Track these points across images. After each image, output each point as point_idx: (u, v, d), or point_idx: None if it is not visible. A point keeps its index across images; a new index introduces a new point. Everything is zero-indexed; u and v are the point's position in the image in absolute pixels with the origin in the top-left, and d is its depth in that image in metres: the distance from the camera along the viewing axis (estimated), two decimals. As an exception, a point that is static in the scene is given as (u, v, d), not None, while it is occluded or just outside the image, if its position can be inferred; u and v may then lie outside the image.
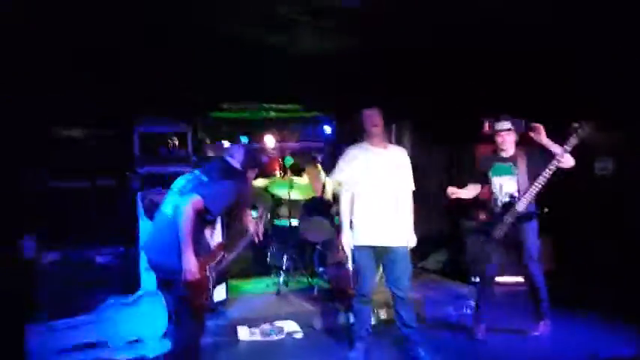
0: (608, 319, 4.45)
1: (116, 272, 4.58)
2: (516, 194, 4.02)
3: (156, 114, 5.25)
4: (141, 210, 4.81)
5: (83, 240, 4.57)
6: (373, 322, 4.66)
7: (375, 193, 3.68)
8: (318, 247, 5.49)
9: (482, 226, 4.25)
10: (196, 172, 3.38)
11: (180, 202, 3.08)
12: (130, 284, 4.54)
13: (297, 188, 5.75)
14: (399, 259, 3.70)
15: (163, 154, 5.19)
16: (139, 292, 4.35)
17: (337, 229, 5.60)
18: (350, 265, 5.10)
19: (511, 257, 4.21)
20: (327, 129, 8.08)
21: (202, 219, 3.16)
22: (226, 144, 8.09)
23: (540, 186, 3.92)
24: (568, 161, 3.87)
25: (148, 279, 4.63)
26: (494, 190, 4.17)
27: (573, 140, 3.81)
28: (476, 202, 4.60)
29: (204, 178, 3.28)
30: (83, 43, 4.53)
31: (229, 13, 4.42)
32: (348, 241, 3.78)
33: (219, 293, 4.82)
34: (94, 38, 4.53)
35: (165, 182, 4.82)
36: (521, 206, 3.98)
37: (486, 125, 6.02)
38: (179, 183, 3.32)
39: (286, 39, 5.05)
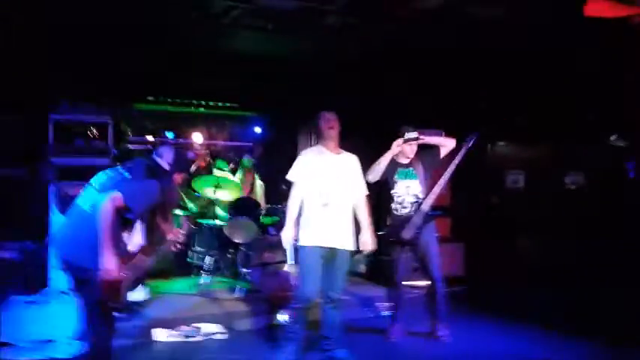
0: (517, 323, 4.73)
1: (23, 269, 4.26)
2: (421, 195, 4.27)
3: (74, 101, 4.98)
4: (53, 203, 4.54)
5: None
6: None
7: (325, 195, 3.70)
8: (242, 248, 5.42)
9: (391, 230, 4.35)
10: (118, 168, 3.21)
11: (99, 198, 2.90)
12: (38, 282, 4.25)
13: (225, 187, 5.64)
14: (343, 263, 3.75)
15: (80, 145, 4.92)
16: (48, 290, 4.09)
17: (263, 230, 5.60)
18: (288, 267, 5.15)
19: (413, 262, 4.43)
20: (257, 129, 8.03)
21: (122, 218, 3.00)
22: (150, 138, 7.84)
23: (438, 191, 4.23)
24: (449, 143, 4.29)
25: (57, 277, 4.36)
26: (399, 194, 4.31)
27: (463, 151, 4.24)
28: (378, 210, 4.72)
29: (127, 175, 3.12)
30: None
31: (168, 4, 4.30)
32: (289, 237, 3.76)
33: (138, 294, 4.63)
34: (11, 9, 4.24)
35: (81, 175, 4.59)
36: (426, 206, 4.22)
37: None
38: (99, 178, 3.13)
39: (220, 35, 4.96)
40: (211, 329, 4.42)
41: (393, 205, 4.32)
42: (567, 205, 5.39)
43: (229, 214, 5.49)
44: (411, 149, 4.31)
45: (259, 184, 6.43)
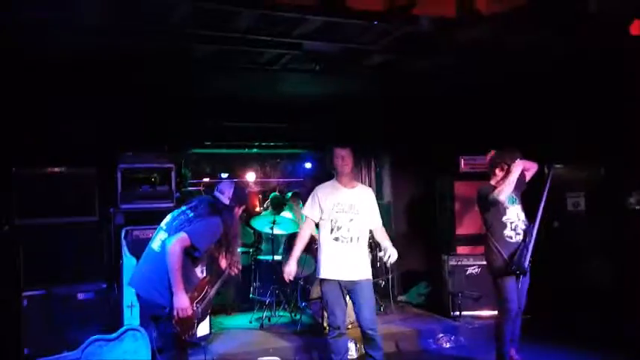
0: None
1: (98, 309, 4.54)
2: (526, 221, 4.19)
3: (138, 150, 5.33)
4: (124, 246, 4.83)
5: (65, 277, 4.53)
6: (355, 355, 4.74)
7: (340, 229, 3.83)
8: (300, 282, 5.53)
9: (511, 260, 4.09)
10: (183, 207, 3.40)
11: (167, 239, 3.11)
12: (113, 321, 4.51)
13: (281, 223, 5.81)
14: (366, 294, 3.85)
15: (146, 191, 5.21)
16: (122, 329, 4.33)
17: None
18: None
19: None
20: (308, 165, 8.25)
21: (190, 256, 3.21)
22: (207, 180, 8.21)
23: (541, 212, 4.13)
24: (534, 166, 4.29)
25: (131, 315, 4.62)
26: (511, 219, 4.17)
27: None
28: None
29: (191, 214, 3.29)
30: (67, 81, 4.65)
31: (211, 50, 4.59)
32: (290, 271, 3.93)
33: (203, 328, 4.81)
34: (83, 75, 4.67)
35: (148, 219, 4.90)
36: (534, 232, 4.09)
37: (462, 163, 6.27)
38: (167, 220, 3.35)
39: (272, 80, 5.23)
40: (275, 363, 4.52)
41: (506, 232, 4.15)
42: (631, 226, 5.18)
43: (286, 249, 5.64)
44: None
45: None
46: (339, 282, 3.82)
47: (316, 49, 4.44)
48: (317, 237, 5.90)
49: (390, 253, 3.83)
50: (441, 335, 5.13)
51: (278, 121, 6.59)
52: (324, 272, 3.87)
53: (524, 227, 4.14)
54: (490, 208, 4.19)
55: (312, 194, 4.02)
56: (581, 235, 5.68)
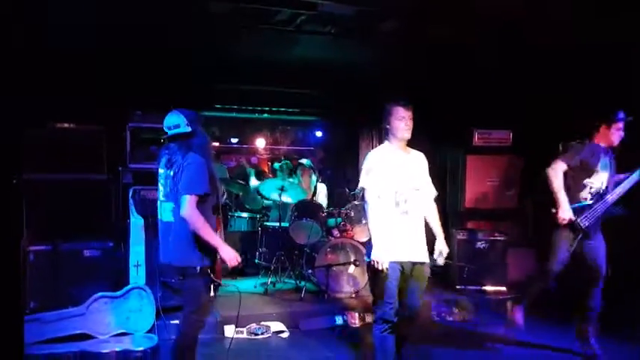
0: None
1: (104, 267, 4.56)
2: (606, 188, 4.00)
3: (147, 110, 5.27)
4: (132, 205, 4.82)
5: (72, 233, 4.54)
6: (357, 324, 4.76)
7: (407, 202, 3.26)
8: (306, 249, 5.52)
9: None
10: (161, 171, 3.19)
11: (178, 209, 2.98)
12: (118, 279, 4.53)
13: (290, 189, 5.77)
14: (422, 277, 3.33)
15: (154, 151, 5.17)
16: (128, 287, 4.36)
17: (327, 231, 5.68)
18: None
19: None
20: (319, 134, 8.16)
21: (207, 206, 3.08)
22: (216, 144, 8.16)
23: (627, 188, 3.95)
24: None
25: (137, 275, 4.65)
26: (593, 184, 4.00)
27: None
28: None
29: (171, 172, 3.07)
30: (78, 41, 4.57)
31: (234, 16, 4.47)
32: (384, 258, 3.17)
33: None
34: (89, 35, 4.58)
35: (155, 179, 4.86)
36: (611, 198, 3.94)
37: (475, 136, 6.15)
38: (161, 191, 3.18)
39: (285, 42, 5.10)
40: (278, 327, 4.54)
41: (583, 194, 3.98)
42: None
43: (293, 216, 5.62)
44: (618, 135, 3.97)
45: (320, 186, 6.52)
46: (397, 265, 3.23)
47: (331, 10, 4.30)
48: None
49: (441, 250, 3.36)
50: (445, 308, 5.12)
51: (290, 87, 6.48)
52: (389, 254, 3.18)
53: (599, 192, 3.95)
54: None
55: (366, 161, 3.36)
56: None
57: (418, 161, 3.46)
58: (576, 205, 3.94)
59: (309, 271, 5.46)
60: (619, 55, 4.78)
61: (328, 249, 5.32)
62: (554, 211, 3.93)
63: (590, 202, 3.94)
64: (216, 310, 4.65)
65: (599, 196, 3.94)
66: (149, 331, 4.26)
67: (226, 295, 4.84)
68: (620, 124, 3.93)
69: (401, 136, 3.29)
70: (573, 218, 3.88)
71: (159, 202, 3.23)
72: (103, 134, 4.89)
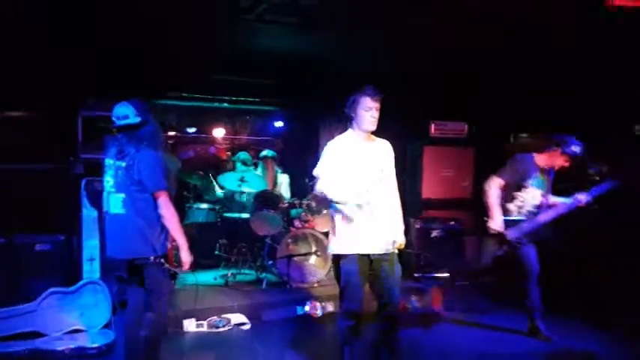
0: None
1: (56, 261, 4.38)
2: (538, 207, 4.15)
3: (101, 97, 5.07)
4: (84, 197, 4.64)
5: (22, 226, 4.34)
6: (319, 313, 4.77)
7: (368, 192, 3.14)
8: (267, 240, 5.48)
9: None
10: (111, 161, 3.11)
11: (124, 198, 3.02)
12: (72, 274, 4.37)
13: (250, 180, 5.70)
14: (393, 268, 3.20)
15: (107, 141, 4.99)
16: (82, 282, 4.21)
17: (288, 222, 5.65)
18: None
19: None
20: (279, 124, 8.09)
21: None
22: (172, 134, 7.95)
23: (560, 214, 4.11)
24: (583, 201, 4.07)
25: (90, 269, 4.49)
26: (525, 197, 4.16)
27: (603, 187, 4.03)
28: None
29: (124, 164, 3.02)
30: (29, 19, 4.32)
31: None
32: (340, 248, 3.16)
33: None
34: (40, 15, 4.34)
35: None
36: (542, 218, 4.12)
37: (432, 127, 6.27)
38: (109, 182, 3.11)
39: (244, 31, 5.00)
40: (239, 319, 4.50)
41: (511, 206, 4.16)
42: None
43: (254, 207, 5.56)
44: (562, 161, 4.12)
45: (282, 176, 6.48)
46: (368, 257, 3.15)
47: (293, 0, 4.24)
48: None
49: (394, 240, 3.22)
50: (405, 295, 5.20)
51: (250, 76, 6.38)
52: (351, 246, 3.11)
53: (531, 210, 4.14)
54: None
55: (325, 149, 3.23)
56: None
57: (382, 150, 3.32)
58: (508, 217, 4.15)
59: (270, 262, 5.42)
60: (571, 55, 4.96)
61: (289, 240, 5.31)
62: (485, 219, 4.15)
63: (522, 217, 4.16)
64: (175, 303, 4.57)
65: (531, 213, 4.14)
66: (105, 327, 4.14)
67: (185, 288, 4.78)
68: (570, 156, 4.08)
69: (365, 127, 3.17)
70: (502, 230, 4.08)
71: (106, 193, 3.15)
72: (52, 122, 4.69)
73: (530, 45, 4.95)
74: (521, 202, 4.15)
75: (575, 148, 4.03)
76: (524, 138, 6.65)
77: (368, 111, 3.13)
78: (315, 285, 5.25)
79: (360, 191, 3.13)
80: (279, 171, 6.45)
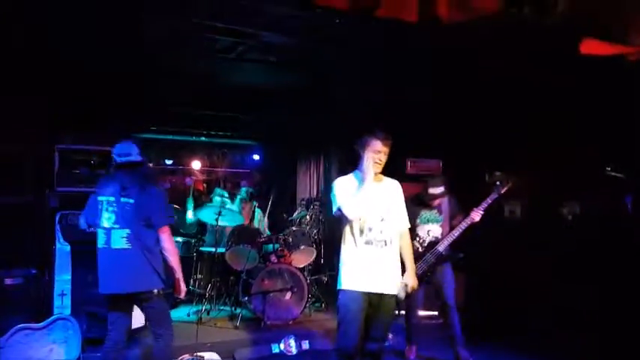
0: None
1: (27, 296, 4.29)
2: (440, 237, 4.38)
3: (79, 131, 5.08)
4: (58, 231, 4.58)
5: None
6: (294, 351, 4.74)
7: (371, 230, 3.18)
8: (242, 275, 5.46)
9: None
10: (111, 198, 3.24)
11: (128, 234, 3.19)
12: (42, 309, 4.28)
13: (226, 215, 5.71)
14: (389, 310, 3.23)
15: (84, 174, 4.97)
16: (52, 318, 4.12)
17: (264, 257, 5.65)
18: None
19: (428, 294, 4.57)
20: (256, 157, 8.17)
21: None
22: (149, 166, 7.94)
23: (456, 236, 4.28)
24: (479, 217, 4.21)
25: (62, 304, 4.41)
26: (420, 235, 4.40)
27: (490, 200, 4.19)
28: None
29: (131, 201, 3.22)
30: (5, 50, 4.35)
31: (163, 40, 4.43)
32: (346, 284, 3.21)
33: (138, 320, 4.66)
34: (17, 45, 4.37)
35: (85, 203, 4.67)
36: (442, 247, 4.32)
37: (408, 165, 6.44)
38: (110, 218, 3.22)
39: (223, 68, 5.11)
40: (212, 358, 4.43)
41: (415, 243, 4.33)
42: (564, 235, 5.49)
43: (230, 242, 5.55)
44: (438, 204, 4.43)
45: (258, 212, 6.51)
46: (367, 295, 3.15)
47: (274, 40, 4.37)
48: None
49: (407, 283, 3.26)
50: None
51: (228, 111, 6.47)
52: (351, 282, 3.16)
53: (432, 241, 4.37)
54: None
55: (334, 187, 3.26)
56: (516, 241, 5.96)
57: (389, 190, 3.32)
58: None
59: (245, 297, 5.38)
60: (545, 90, 5.18)
61: (265, 275, 5.29)
62: None
63: (421, 251, 4.36)
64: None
65: (429, 246, 4.35)
66: (75, 363, 4.04)
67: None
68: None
69: (370, 164, 3.16)
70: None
71: (102, 229, 3.26)
72: (27, 155, 4.67)
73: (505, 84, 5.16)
74: (420, 239, 4.38)
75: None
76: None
77: (376, 154, 3.16)
78: (290, 322, 5.23)
79: (363, 228, 3.17)
80: (256, 205, 6.48)
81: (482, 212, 4.18)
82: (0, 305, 4.15)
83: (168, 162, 8.52)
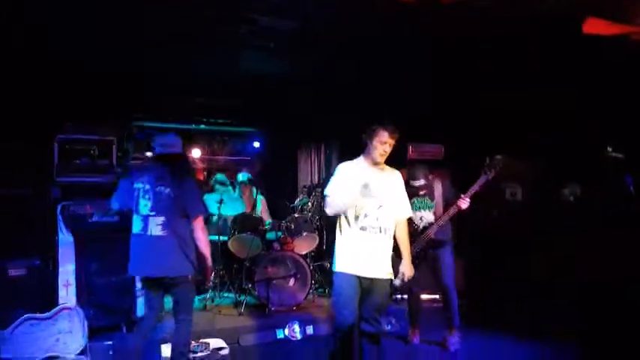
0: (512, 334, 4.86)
1: (31, 286, 4.31)
2: (433, 221, 4.39)
3: (78, 121, 5.05)
4: (60, 222, 4.58)
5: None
6: (299, 336, 4.77)
7: (367, 217, 3.31)
8: (246, 263, 5.47)
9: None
10: (147, 186, 3.39)
11: (164, 221, 3.34)
12: (47, 300, 4.29)
13: (228, 202, 5.70)
14: (382, 293, 3.39)
15: (85, 164, 4.96)
16: (57, 308, 4.14)
17: (267, 244, 5.66)
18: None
19: (428, 276, 4.56)
20: (257, 144, 8.14)
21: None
22: (150, 154, 7.91)
23: (443, 222, 4.32)
24: (466, 205, 4.20)
25: (67, 295, 4.42)
26: (414, 221, 4.37)
27: (477, 186, 4.20)
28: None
29: (167, 190, 3.36)
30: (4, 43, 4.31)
31: (163, 23, 4.38)
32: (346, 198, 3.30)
33: (142, 307, 4.69)
34: (17, 38, 4.33)
35: (86, 193, 4.67)
36: (432, 232, 4.35)
37: (410, 150, 6.41)
38: (147, 204, 3.37)
39: (222, 54, 5.06)
40: (218, 344, 4.46)
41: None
42: (565, 218, 5.48)
43: (233, 230, 5.55)
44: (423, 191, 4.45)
45: (260, 198, 6.50)
46: (358, 278, 3.31)
47: (272, 25, 4.32)
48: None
49: (404, 271, 3.41)
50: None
51: (227, 98, 6.43)
52: (343, 265, 3.34)
53: (424, 225, 4.39)
54: None
55: (336, 171, 3.45)
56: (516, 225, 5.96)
57: (390, 179, 3.45)
58: None
59: (249, 285, 5.41)
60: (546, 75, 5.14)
61: (268, 262, 5.31)
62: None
63: (415, 236, 4.33)
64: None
65: (422, 231, 4.37)
66: (80, 353, 4.07)
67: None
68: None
69: (374, 158, 3.36)
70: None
71: (139, 216, 3.41)
72: (27, 146, 4.65)
73: (507, 65, 5.11)
74: (415, 225, 4.38)
75: None
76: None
77: (382, 144, 3.32)
78: (294, 308, 5.26)
79: (359, 214, 3.31)
80: (258, 192, 6.47)
81: (469, 200, 4.17)
82: (5, 297, 4.17)
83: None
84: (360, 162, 3.45)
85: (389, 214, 3.38)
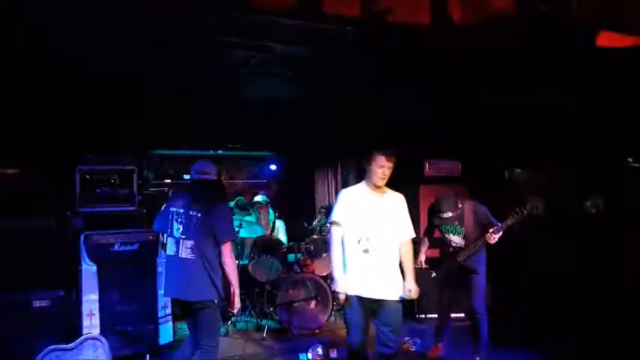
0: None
1: (55, 317, 4.33)
2: (463, 246, 4.37)
3: (98, 151, 5.14)
4: (83, 252, 4.63)
5: (20, 283, 4.32)
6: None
7: (367, 241, 3.38)
8: (267, 286, 5.46)
9: (436, 262, 4.65)
10: (181, 210, 3.46)
11: (193, 244, 3.38)
12: (71, 330, 4.32)
13: (247, 226, 5.73)
14: (392, 315, 3.39)
15: (106, 194, 5.02)
16: (81, 338, 4.15)
17: (287, 267, 5.65)
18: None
19: (457, 296, 4.58)
20: (273, 167, 8.20)
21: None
22: (168, 182, 8.00)
23: (472, 252, 4.30)
24: (494, 241, 4.17)
25: (90, 324, 4.45)
26: (446, 242, 4.46)
27: (509, 222, 4.13)
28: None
29: (199, 215, 3.39)
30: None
31: (179, 54, 4.47)
32: (344, 287, 3.38)
33: (166, 335, 4.70)
34: (36, 78, 4.44)
35: (108, 223, 4.72)
36: (460, 258, 4.34)
37: (426, 167, 6.38)
38: (179, 228, 3.44)
39: (240, 82, 5.13)
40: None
41: (444, 248, 4.53)
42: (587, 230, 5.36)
43: (253, 254, 5.56)
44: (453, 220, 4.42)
45: (278, 222, 6.51)
46: (361, 299, 3.37)
47: (287, 53, 4.38)
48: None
49: (410, 288, 3.41)
50: (407, 338, 5.15)
51: (244, 124, 6.51)
52: (349, 287, 3.40)
53: (455, 246, 4.42)
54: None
55: (339, 196, 3.58)
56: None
57: (392, 203, 3.51)
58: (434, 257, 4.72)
59: (271, 308, 5.39)
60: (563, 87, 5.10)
61: (289, 285, 5.29)
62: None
63: (442, 257, 4.55)
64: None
65: (452, 253, 4.40)
66: (106, 383, 4.06)
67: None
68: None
69: (374, 182, 3.43)
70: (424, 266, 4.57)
71: (172, 239, 3.48)
72: (50, 178, 4.74)
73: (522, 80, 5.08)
74: (448, 246, 4.45)
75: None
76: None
77: (380, 168, 3.40)
78: (317, 331, 5.22)
79: (361, 238, 3.38)
80: (275, 216, 6.49)
81: (497, 238, 4.13)
82: (29, 328, 4.19)
83: (187, 177, 8.58)
84: (361, 187, 3.55)
85: (391, 237, 3.45)
